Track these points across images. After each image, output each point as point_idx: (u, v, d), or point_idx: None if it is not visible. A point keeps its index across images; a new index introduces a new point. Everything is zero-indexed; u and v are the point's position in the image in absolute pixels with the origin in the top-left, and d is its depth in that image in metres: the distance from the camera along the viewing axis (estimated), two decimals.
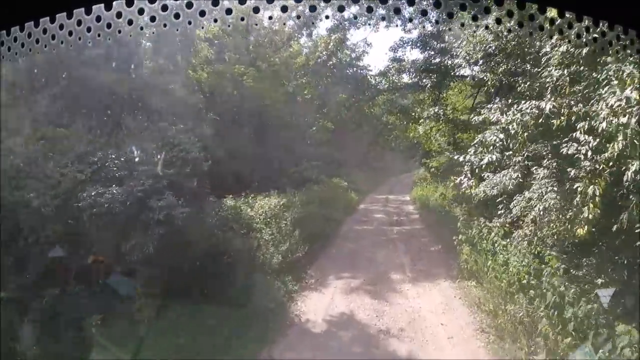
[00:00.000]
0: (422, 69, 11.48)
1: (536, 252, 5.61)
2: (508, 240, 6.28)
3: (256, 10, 0.94)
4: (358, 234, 10.63)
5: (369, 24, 11.27)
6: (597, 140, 4.55)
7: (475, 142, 6.25)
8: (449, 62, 10.50)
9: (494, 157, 5.79)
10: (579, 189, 4.71)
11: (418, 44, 11.32)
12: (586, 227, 4.71)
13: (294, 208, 9.74)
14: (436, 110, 10.52)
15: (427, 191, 14.75)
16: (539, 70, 6.27)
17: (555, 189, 5.39)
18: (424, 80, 11.80)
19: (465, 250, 7.22)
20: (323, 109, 12.95)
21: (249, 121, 11.48)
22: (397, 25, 11.15)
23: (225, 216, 8.26)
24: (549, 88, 5.71)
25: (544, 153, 6.08)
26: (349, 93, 12.50)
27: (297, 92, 12.51)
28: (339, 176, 15.40)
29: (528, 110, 5.34)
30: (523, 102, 5.68)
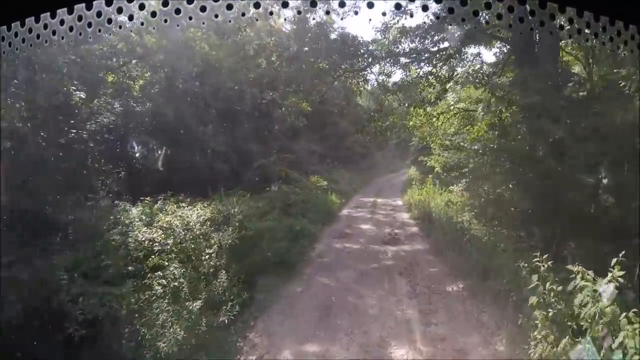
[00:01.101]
0: (449, 7, 11.60)
1: None
2: None
3: None
4: (337, 257, 10.12)
5: None
6: None
7: None
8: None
9: None
10: None
11: None
12: None
13: (231, 225, 8.47)
14: (477, 68, 10.30)
15: (425, 195, 15.57)
16: None
17: None
18: (449, 27, 11.75)
19: (554, 337, 4.56)
20: (298, 85, 13.14)
21: (199, 100, 11.76)
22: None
23: (108, 241, 7.06)
24: None
25: None
26: (332, 63, 12.59)
27: (258, 54, 12.60)
28: (318, 174, 16.75)
29: None
30: None
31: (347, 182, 20.06)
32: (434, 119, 13.78)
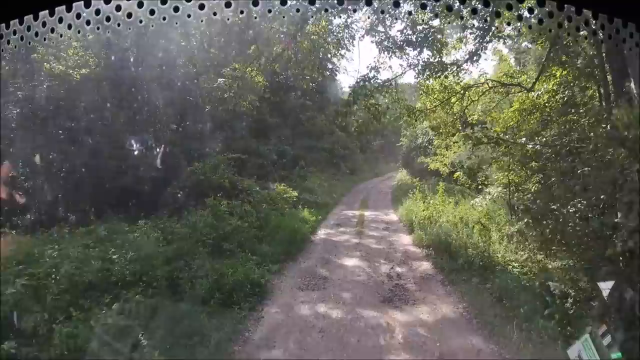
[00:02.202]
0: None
1: None
2: None
3: None
4: (300, 348, 8.27)
5: None
6: None
7: None
8: None
9: None
10: None
11: None
12: None
13: None
14: None
15: (433, 209, 16.31)
16: None
17: None
18: None
19: None
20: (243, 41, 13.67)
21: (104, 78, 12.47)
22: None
23: None
24: None
25: None
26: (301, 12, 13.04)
27: None
28: (287, 181, 17.97)
29: None
30: None
31: (325, 191, 21.69)
32: (453, 99, 14.42)
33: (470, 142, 13.55)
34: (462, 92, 14.34)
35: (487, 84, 14.11)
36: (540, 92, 12.30)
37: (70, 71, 12.73)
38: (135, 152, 13.42)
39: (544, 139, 11.50)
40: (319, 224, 17.30)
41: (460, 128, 14.93)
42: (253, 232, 13.61)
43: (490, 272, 10.92)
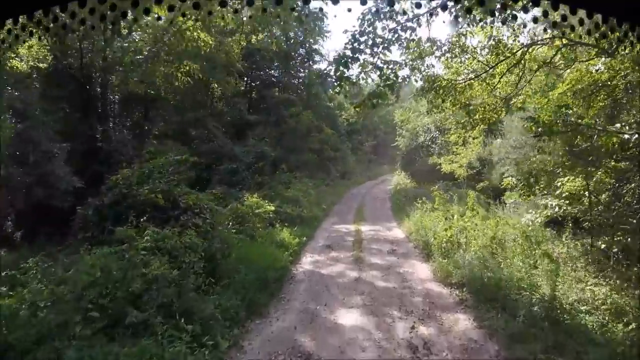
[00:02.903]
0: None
1: None
2: None
3: None
4: None
5: None
6: None
7: None
8: None
9: None
10: None
11: None
12: None
13: None
14: None
15: (458, 226, 16.67)
16: None
17: None
18: None
19: None
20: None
21: None
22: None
23: None
24: None
25: None
26: None
27: None
28: (263, 189, 19.56)
29: None
30: None
31: (312, 200, 23.65)
32: (502, 66, 14.08)
33: (537, 128, 12.19)
34: (521, 52, 13.64)
35: (560, 39, 12.89)
36: (598, 68, 12.11)
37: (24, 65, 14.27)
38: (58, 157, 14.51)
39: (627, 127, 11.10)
40: (304, 247, 17.74)
41: (505, 112, 15.09)
42: (192, 281, 11.48)
43: (561, 332, 10.01)
